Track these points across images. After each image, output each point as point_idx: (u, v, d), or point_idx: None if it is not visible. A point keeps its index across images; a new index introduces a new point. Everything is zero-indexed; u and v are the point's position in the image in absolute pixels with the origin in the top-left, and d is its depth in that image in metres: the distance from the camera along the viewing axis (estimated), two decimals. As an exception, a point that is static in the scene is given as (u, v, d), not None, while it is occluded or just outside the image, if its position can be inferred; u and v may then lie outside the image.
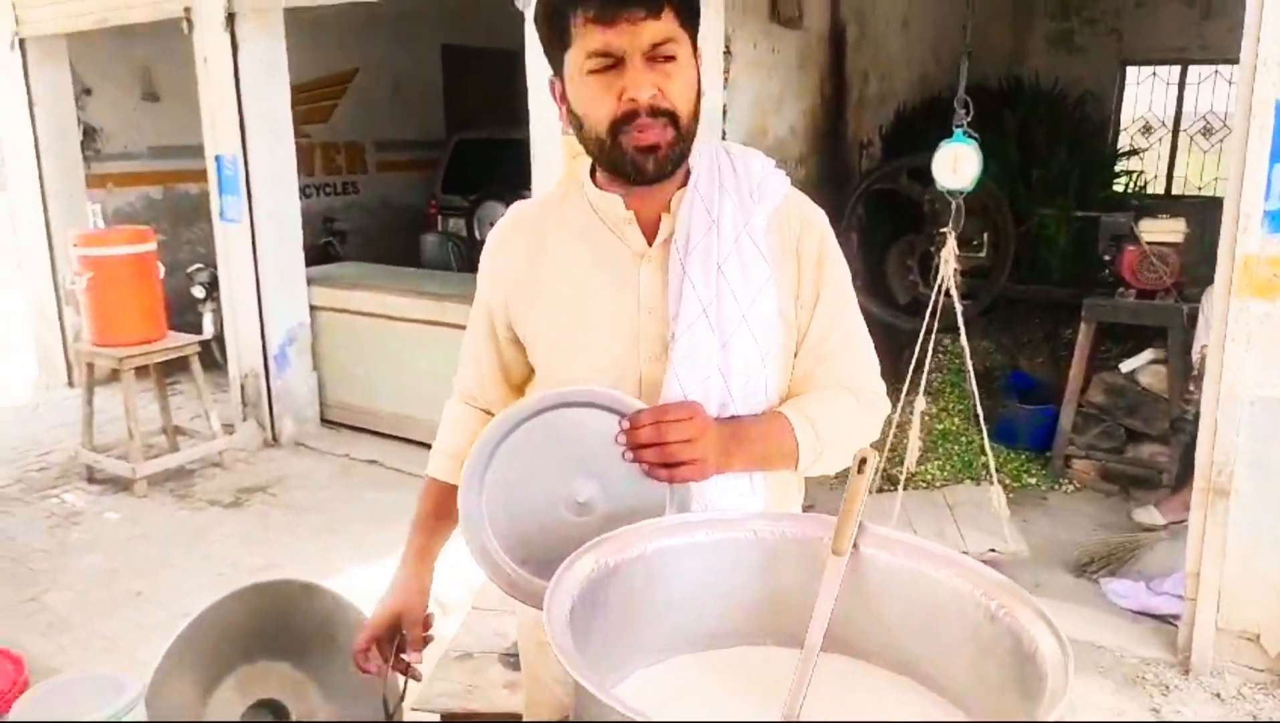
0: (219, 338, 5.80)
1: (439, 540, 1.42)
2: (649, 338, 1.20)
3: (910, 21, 6.19)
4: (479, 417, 1.41)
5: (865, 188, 5.21)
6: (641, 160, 1.13)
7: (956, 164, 3.45)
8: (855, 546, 0.98)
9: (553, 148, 3.94)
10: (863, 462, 1.01)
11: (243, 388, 5.31)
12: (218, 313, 5.81)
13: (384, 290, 5.21)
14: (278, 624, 1.46)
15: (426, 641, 1.38)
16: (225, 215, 5.09)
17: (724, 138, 3.81)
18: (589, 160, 1.25)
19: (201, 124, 5.10)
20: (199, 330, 5.71)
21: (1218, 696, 2.85)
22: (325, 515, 4.37)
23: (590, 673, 0.76)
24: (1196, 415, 3.11)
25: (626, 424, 1.11)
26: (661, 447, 1.09)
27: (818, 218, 1.27)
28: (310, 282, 5.34)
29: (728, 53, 3.83)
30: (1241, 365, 2.78)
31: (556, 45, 1.15)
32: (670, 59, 1.11)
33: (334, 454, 5.13)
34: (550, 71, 1.22)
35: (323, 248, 6.89)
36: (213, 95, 4.94)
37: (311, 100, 7.10)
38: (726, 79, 3.84)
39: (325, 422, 5.47)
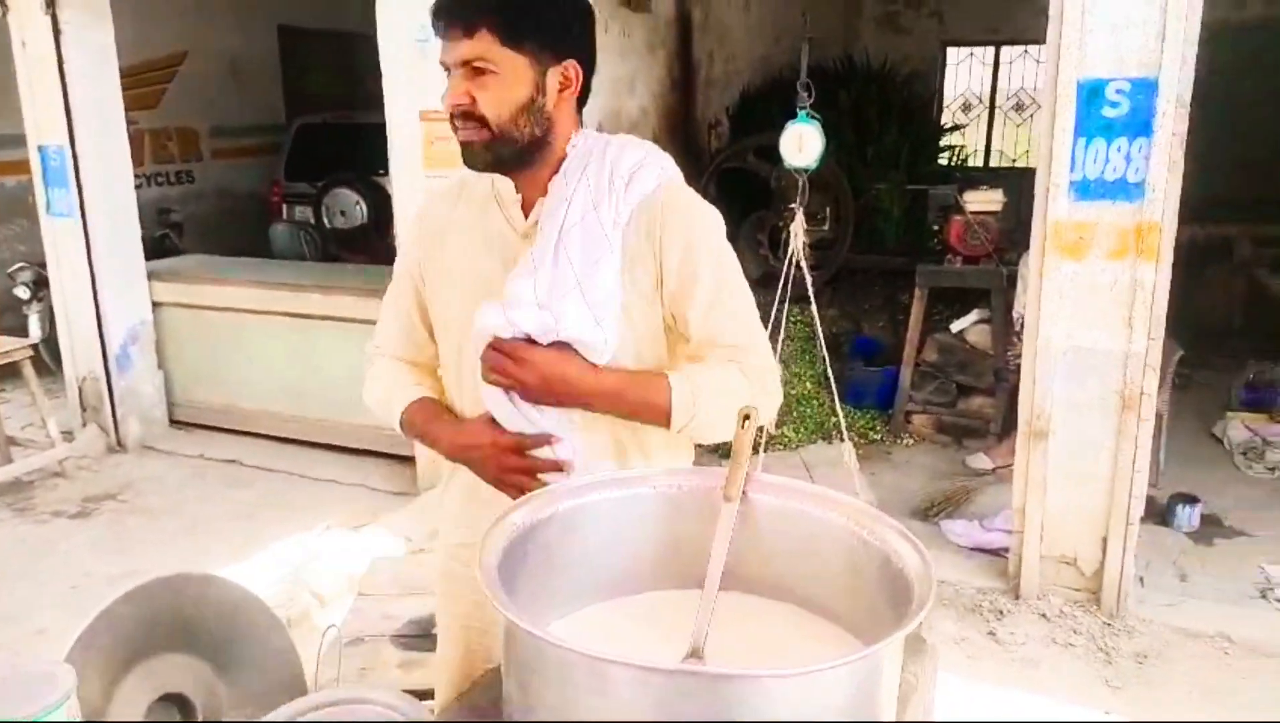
0: (48, 340, 5.44)
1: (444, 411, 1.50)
2: None
3: (750, 5, 6.43)
4: (403, 365, 1.54)
5: (715, 167, 5.42)
6: (463, 153, 1.33)
7: (802, 143, 3.66)
8: (744, 492, 1.10)
9: (412, 132, 3.91)
10: (746, 417, 1.13)
11: (81, 392, 5.01)
12: (45, 314, 5.45)
13: (234, 283, 5.03)
14: (180, 617, 1.47)
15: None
16: (53, 209, 4.77)
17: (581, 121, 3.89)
18: None
19: (17, 113, 4.75)
20: (23, 333, 5.34)
21: (1044, 615, 3.19)
22: (184, 518, 4.22)
23: (524, 615, 0.85)
24: (1017, 368, 3.46)
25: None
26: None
27: (685, 213, 1.35)
28: (151, 277, 5.09)
29: (580, 37, 3.91)
30: (1055, 319, 3.11)
31: None
32: (486, 73, 1.27)
33: (186, 455, 4.94)
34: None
35: (159, 241, 6.53)
36: (34, 83, 4.61)
37: (138, 85, 6.69)
38: (580, 63, 3.92)
39: (174, 423, 5.25)
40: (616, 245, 1.32)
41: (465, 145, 1.32)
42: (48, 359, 5.55)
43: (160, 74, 7.26)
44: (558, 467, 1.35)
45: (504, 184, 1.40)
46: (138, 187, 5.19)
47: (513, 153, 1.32)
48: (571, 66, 1.32)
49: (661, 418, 1.32)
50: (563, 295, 1.30)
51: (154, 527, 4.13)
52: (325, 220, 6.83)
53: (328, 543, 3.73)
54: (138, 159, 6.86)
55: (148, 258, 5.17)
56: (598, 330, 1.31)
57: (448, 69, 1.30)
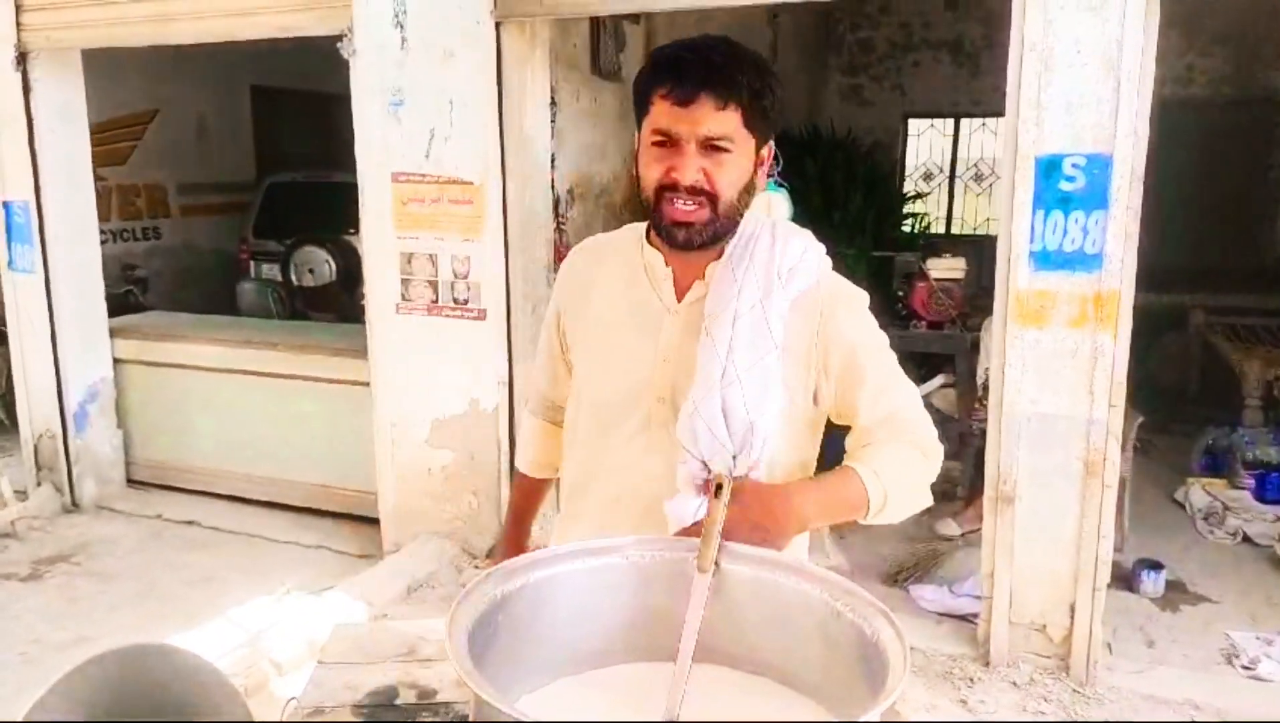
0: (4, 396, 5.34)
1: (529, 523, 1.76)
2: (659, 384, 1.35)
3: (718, 74, 6.57)
4: (550, 428, 1.64)
5: (684, 231, 5.48)
6: (674, 231, 1.28)
7: (770, 210, 3.71)
8: (717, 563, 1.09)
9: (383, 193, 3.93)
10: (719, 487, 1.13)
11: (36, 450, 4.89)
12: (2, 370, 5.35)
13: (197, 341, 4.97)
14: (136, 691, 1.41)
15: None
16: (15, 265, 4.70)
17: (553, 186, 3.94)
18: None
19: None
20: (-22, 389, 5.25)
21: (1014, 683, 3.18)
22: (138, 582, 4.10)
23: (493, 690, 0.83)
24: (983, 432, 3.49)
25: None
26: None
27: (846, 305, 1.36)
28: (113, 334, 5.02)
29: (553, 104, 3.98)
30: (1019, 386, 3.15)
31: (638, 113, 1.31)
32: (724, 151, 1.24)
33: (144, 516, 4.81)
34: None
35: (122, 297, 6.46)
36: (1, 139, 4.58)
37: (107, 141, 6.68)
38: (554, 130, 3.98)
39: (132, 482, 5.13)
40: (779, 340, 1.31)
41: (685, 223, 1.27)
42: (3, 416, 5.44)
43: (130, 131, 7.25)
44: None
45: (653, 256, 1.37)
46: (103, 242, 5.15)
47: (725, 231, 1.31)
48: (771, 146, 1.33)
49: (859, 511, 1.30)
50: (729, 386, 1.29)
51: (107, 591, 4.01)
52: (294, 278, 6.80)
53: (288, 608, 3.64)
54: (104, 215, 6.82)
55: (111, 314, 5.12)
56: (747, 422, 1.29)
57: (670, 137, 1.24)
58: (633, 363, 1.38)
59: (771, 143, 1.33)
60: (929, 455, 1.37)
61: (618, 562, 1.11)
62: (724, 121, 1.23)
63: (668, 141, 1.25)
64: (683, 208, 1.26)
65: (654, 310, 1.38)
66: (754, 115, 1.25)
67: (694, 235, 1.28)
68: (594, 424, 1.45)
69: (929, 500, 1.38)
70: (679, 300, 1.36)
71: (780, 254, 1.33)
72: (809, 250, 1.37)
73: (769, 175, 4.08)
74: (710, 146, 1.24)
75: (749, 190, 1.31)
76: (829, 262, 1.40)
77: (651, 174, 1.27)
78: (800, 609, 1.06)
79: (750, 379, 1.29)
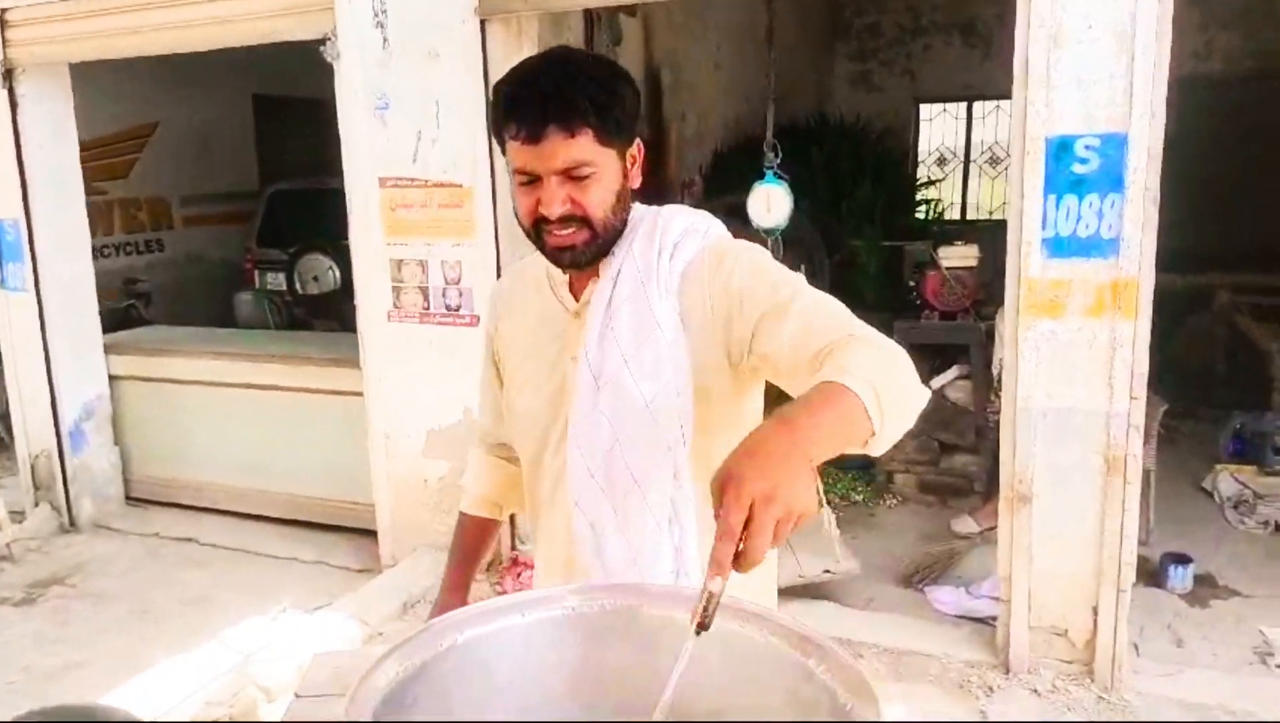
0: (2, 417, 5.28)
1: (473, 569, 1.60)
2: (574, 385, 1.33)
3: (721, 65, 6.44)
4: (496, 462, 1.59)
5: (687, 226, 5.35)
6: (558, 256, 1.29)
7: (770, 204, 3.59)
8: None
9: (371, 198, 3.83)
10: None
11: (33, 470, 4.83)
12: (1, 388, 5.30)
13: (194, 355, 4.89)
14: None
15: None
16: (7, 284, 4.64)
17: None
18: None
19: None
20: (-26, 411, 5.20)
21: (1035, 691, 3.03)
22: (134, 603, 4.02)
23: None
24: (998, 425, 3.34)
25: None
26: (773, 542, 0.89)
27: (726, 260, 1.28)
28: (109, 350, 4.95)
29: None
30: (1033, 380, 2.99)
31: (501, 150, 1.28)
32: (585, 176, 1.23)
33: (141, 534, 4.73)
34: None
35: (124, 311, 6.39)
36: (-12, 155, 4.53)
37: (108, 156, 6.62)
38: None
39: (130, 500, 5.06)
40: (668, 322, 1.28)
41: (567, 248, 1.26)
42: (3, 435, 5.39)
43: (131, 144, 7.19)
44: None
45: (554, 267, 1.36)
46: (106, 256, 5.10)
47: (610, 243, 1.30)
48: (638, 144, 1.30)
49: (862, 425, 1.02)
50: (614, 376, 1.28)
51: (101, 613, 3.92)
52: (298, 286, 6.72)
53: (281, 629, 3.54)
54: (107, 229, 6.77)
55: (114, 329, 5.05)
56: (648, 412, 1.27)
57: (530, 175, 1.23)
58: (547, 371, 1.37)
59: (639, 141, 1.29)
60: (887, 347, 1.14)
61: (560, 613, 0.98)
62: (577, 148, 1.20)
63: (530, 180, 1.24)
64: (560, 234, 1.25)
65: (558, 316, 1.37)
66: (606, 130, 1.22)
67: (579, 256, 1.28)
68: (526, 441, 1.42)
69: (926, 393, 1.16)
70: (577, 301, 1.36)
71: (661, 233, 1.31)
72: (695, 224, 1.33)
73: (768, 167, 3.89)
74: (570, 176, 1.22)
75: (624, 195, 1.28)
76: (720, 230, 1.36)
77: (524, 210, 1.27)
78: (770, 669, 0.92)
79: (640, 361, 1.27)
